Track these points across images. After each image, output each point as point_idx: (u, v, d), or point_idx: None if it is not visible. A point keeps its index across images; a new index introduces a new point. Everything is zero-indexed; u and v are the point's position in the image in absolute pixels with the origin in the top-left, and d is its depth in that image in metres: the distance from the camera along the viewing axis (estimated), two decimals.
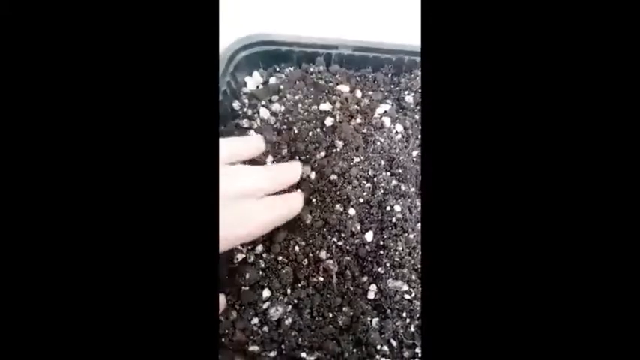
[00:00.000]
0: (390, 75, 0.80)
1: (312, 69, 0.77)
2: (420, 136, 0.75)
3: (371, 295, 0.56)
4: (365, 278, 0.58)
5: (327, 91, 0.76)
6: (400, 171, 0.66)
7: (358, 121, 0.74)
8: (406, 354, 0.51)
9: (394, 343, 0.52)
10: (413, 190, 0.65)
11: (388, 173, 0.66)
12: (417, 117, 0.75)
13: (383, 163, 0.67)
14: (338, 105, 0.74)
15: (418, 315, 0.52)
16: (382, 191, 0.63)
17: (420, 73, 0.78)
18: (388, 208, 0.61)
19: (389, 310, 0.53)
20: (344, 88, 0.77)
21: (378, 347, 0.51)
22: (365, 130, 0.72)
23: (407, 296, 0.53)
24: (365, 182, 0.65)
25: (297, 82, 0.76)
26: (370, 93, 0.78)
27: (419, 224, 0.63)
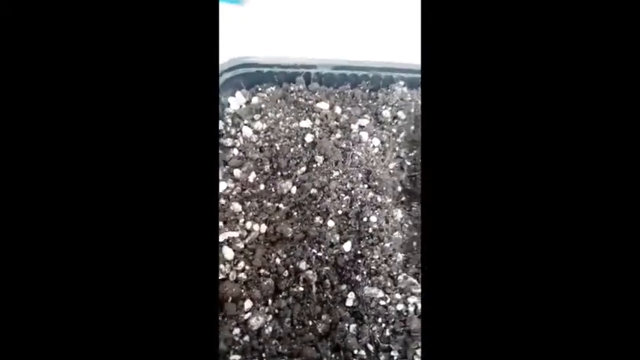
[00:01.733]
0: (367, 91, 0.83)
1: (292, 88, 0.81)
2: (397, 149, 0.78)
3: (349, 303, 0.58)
4: (344, 287, 0.60)
5: (307, 109, 0.80)
6: (376, 183, 0.69)
7: (338, 136, 0.77)
8: (382, 358, 0.53)
9: (371, 347, 0.54)
10: (389, 200, 0.68)
11: (365, 185, 0.69)
12: (394, 130, 0.79)
13: (360, 176, 0.70)
14: (317, 122, 0.78)
15: (393, 320, 0.54)
16: (359, 203, 0.66)
17: (396, 88, 0.82)
18: (365, 219, 0.64)
19: (365, 317, 0.56)
20: (323, 106, 0.80)
21: (355, 352, 0.53)
22: (344, 145, 0.75)
23: (382, 302, 0.56)
24: (343, 195, 0.68)
25: (279, 101, 0.80)
26: (349, 109, 0.81)
27: (396, 233, 0.66)
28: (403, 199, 0.74)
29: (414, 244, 0.68)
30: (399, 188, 0.74)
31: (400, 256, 0.64)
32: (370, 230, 0.63)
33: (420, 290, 0.58)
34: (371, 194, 0.67)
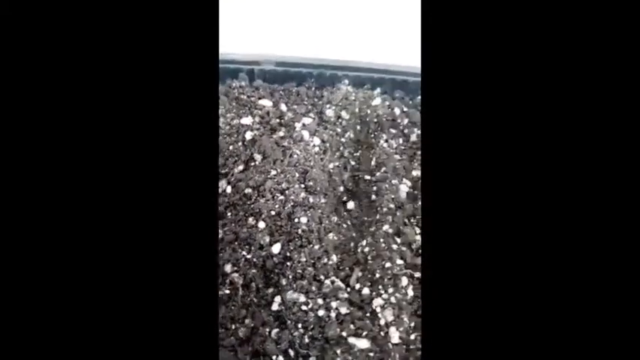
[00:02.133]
0: (313, 89, 0.82)
1: (234, 84, 0.79)
2: (340, 148, 0.77)
3: (275, 307, 0.57)
4: (270, 290, 0.59)
5: (249, 106, 0.78)
6: (311, 183, 0.67)
7: (280, 134, 0.76)
8: None
9: (292, 353, 0.53)
10: (323, 201, 0.67)
11: (302, 185, 0.68)
12: (339, 130, 0.77)
13: (297, 175, 0.69)
14: (258, 119, 0.76)
15: (312, 326, 0.53)
16: (292, 203, 0.65)
17: (341, 87, 0.80)
18: (296, 220, 0.63)
19: (288, 322, 0.54)
20: (266, 103, 0.78)
21: (274, 357, 0.52)
22: (285, 143, 0.73)
23: (304, 307, 0.54)
24: (278, 195, 0.66)
25: (220, 97, 0.78)
26: (295, 107, 0.80)
27: (330, 234, 0.64)
28: (344, 199, 0.72)
29: (352, 244, 0.67)
30: (341, 188, 0.73)
31: (334, 258, 0.62)
32: (299, 232, 0.61)
33: (345, 295, 0.57)
34: (303, 195, 0.65)
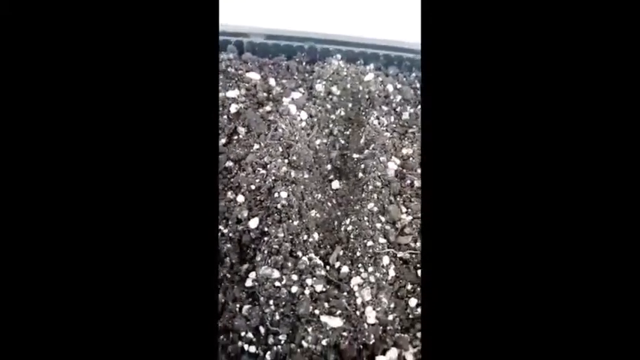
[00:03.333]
0: (303, 63, 0.79)
1: (222, 56, 0.76)
2: (330, 126, 0.74)
3: (248, 283, 0.54)
4: (245, 266, 0.56)
5: (236, 79, 0.75)
6: (295, 158, 0.65)
7: (267, 108, 0.73)
8: (270, 340, 0.50)
9: (262, 329, 0.51)
10: (306, 177, 0.64)
11: (285, 160, 0.65)
12: (328, 106, 0.74)
13: (280, 149, 0.66)
14: (244, 92, 0.73)
15: (284, 303, 0.51)
16: (273, 178, 0.62)
17: (333, 61, 0.77)
18: (276, 195, 0.60)
19: (261, 298, 0.52)
20: (254, 76, 0.76)
21: (242, 334, 0.50)
22: (271, 118, 0.71)
23: (277, 284, 0.52)
24: (260, 169, 0.64)
25: None
26: (284, 81, 0.77)
27: (312, 211, 0.62)
28: (330, 177, 0.70)
29: (335, 223, 0.64)
30: (328, 166, 0.71)
31: (315, 236, 0.60)
32: (279, 207, 0.59)
33: (323, 272, 0.55)
34: (285, 169, 0.62)
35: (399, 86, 0.77)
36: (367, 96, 0.75)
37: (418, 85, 0.77)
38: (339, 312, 0.51)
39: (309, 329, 0.49)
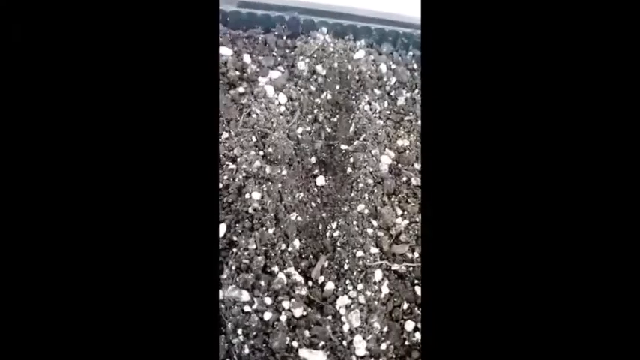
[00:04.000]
0: (283, 37, 0.68)
1: None
2: (315, 111, 0.63)
3: None
4: None
5: None
6: (271, 150, 0.54)
7: (240, 90, 0.62)
8: None
9: None
10: (284, 173, 0.54)
11: (260, 152, 0.55)
12: (312, 88, 0.64)
13: (254, 139, 0.56)
14: None
15: (255, 332, 0.41)
16: (244, 174, 0.52)
17: (317, 35, 0.67)
18: (247, 196, 0.50)
19: (228, 325, 0.42)
20: (225, 51, 0.65)
21: None
22: (244, 101, 0.60)
23: (246, 308, 0.42)
24: (228, 163, 0.54)
25: None
26: (260, 58, 0.66)
27: (293, 214, 0.52)
28: (315, 172, 0.60)
29: (320, 227, 0.55)
30: (312, 159, 0.61)
31: (296, 244, 0.50)
32: (250, 210, 0.49)
33: (303, 292, 0.45)
34: (258, 164, 0.52)
35: (393, 66, 0.67)
36: (357, 77, 0.65)
37: (416, 66, 0.67)
38: (321, 343, 0.42)
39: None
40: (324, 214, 0.56)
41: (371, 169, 0.56)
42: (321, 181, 0.59)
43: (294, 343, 0.41)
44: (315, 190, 0.58)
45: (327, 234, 0.53)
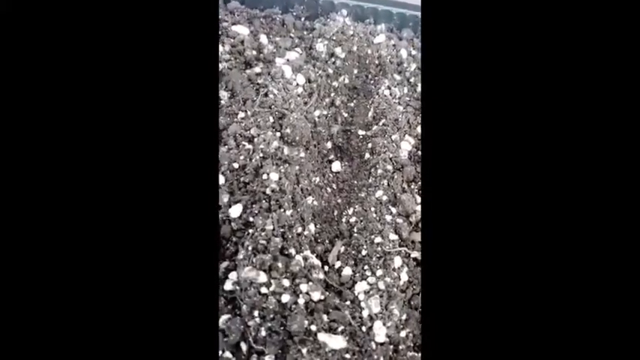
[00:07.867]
0: (302, 18, 0.66)
1: None
2: (332, 94, 0.62)
3: (228, 286, 0.43)
4: (224, 264, 0.45)
5: (220, 32, 0.62)
6: (288, 131, 0.53)
7: (256, 70, 0.61)
8: None
9: (243, 347, 0.40)
10: (302, 155, 0.52)
11: (277, 133, 0.53)
12: (330, 70, 0.62)
13: (271, 120, 0.54)
14: (228, 48, 0.60)
15: (272, 315, 0.40)
16: (261, 155, 0.50)
17: (337, 17, 0.65)
18: (265, 177, 0.48)
19: (244, 307, 0.41)
20: (241, 30, 0.63)
21: (219, 352, 0.39)
22: (261, 81, 0.59)
23: (263, 290, 0.41)
24: (245, 143, 0.52)
25: None
26: (277, 39, 0.64)
27: (309, 198, 0.51)
28: (331, 157, 0.58)
29: (335, 213, 0.53)
30: (329, 144, 0.59)
31: (312, 228, 0.49)
32: (267, 191, 0.47)
33: (321, 275, 0.44)
34: (275, 144, 0.51)
35: (414, 52, 0.65)
36: (377, 62, 0.64)
37: None
38: (341, 328, 0.41)
39: (304, 350, 0.39)
40: (339, 200, 0.55)
41: (390, 155, 0.54)
42: (336, 166, 0.57)
43: (313, 327, 0.40)
44: (331, 175, 0.57)
45: (344, 219, 0.51)
